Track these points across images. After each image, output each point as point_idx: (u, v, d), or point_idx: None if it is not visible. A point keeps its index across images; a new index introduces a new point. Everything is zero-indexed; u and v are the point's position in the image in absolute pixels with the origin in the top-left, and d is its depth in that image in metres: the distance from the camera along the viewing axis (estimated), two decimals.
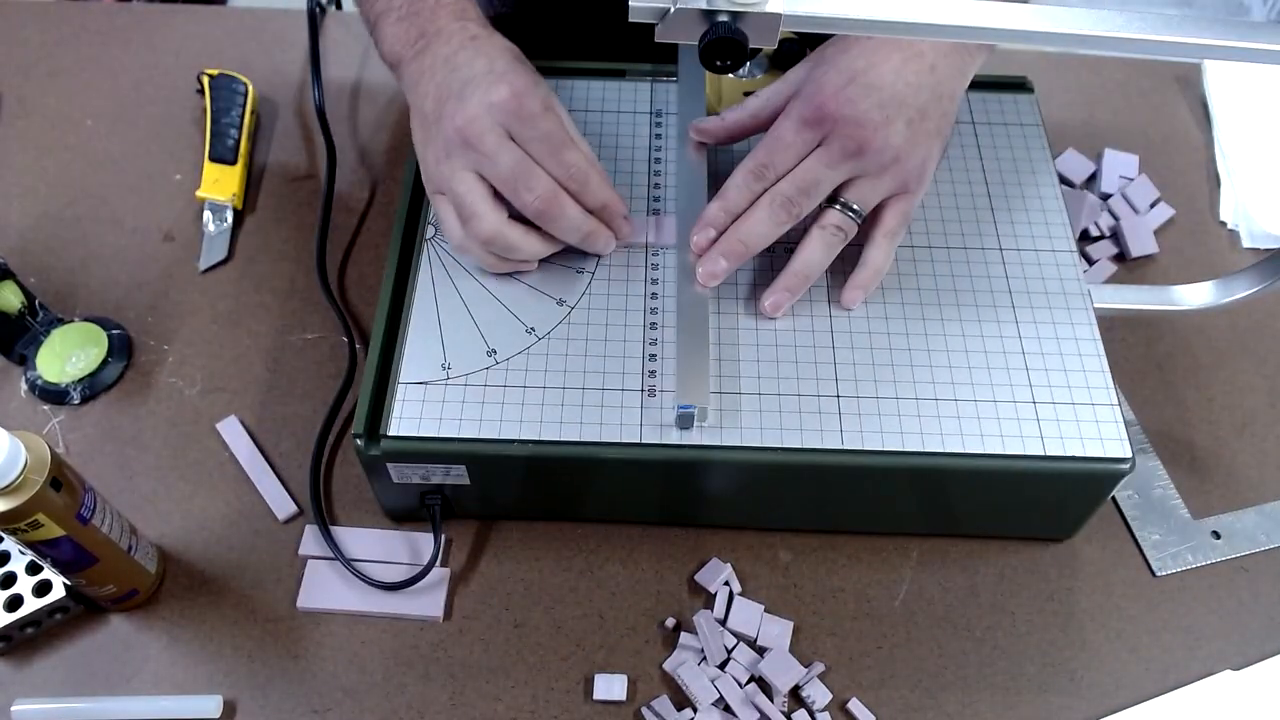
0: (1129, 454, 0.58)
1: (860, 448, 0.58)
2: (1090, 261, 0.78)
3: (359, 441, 0.58)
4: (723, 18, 0.46)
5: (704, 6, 0.46)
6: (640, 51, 0.66)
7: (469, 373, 0.60)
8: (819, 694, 0.59)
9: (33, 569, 0.60)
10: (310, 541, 0.64)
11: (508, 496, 0.64)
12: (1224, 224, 0.81)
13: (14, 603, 0.59)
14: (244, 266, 0.77)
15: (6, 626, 0.59)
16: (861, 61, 0.60)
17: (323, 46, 0.87)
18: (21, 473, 0.50)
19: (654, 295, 0.64)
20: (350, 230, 0.79)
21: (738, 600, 0.62)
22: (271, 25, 0.92)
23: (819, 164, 0.60)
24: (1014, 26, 0.47)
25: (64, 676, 0.60)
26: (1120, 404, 0.60)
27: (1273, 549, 0.66)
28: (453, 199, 0.61)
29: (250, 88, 0.84)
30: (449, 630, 0.62)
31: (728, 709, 0.58)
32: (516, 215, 0.61)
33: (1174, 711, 0.60)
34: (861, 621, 0.62)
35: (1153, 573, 0.65)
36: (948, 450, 0.58)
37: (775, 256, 0.64)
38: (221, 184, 0.79)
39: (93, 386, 0.70)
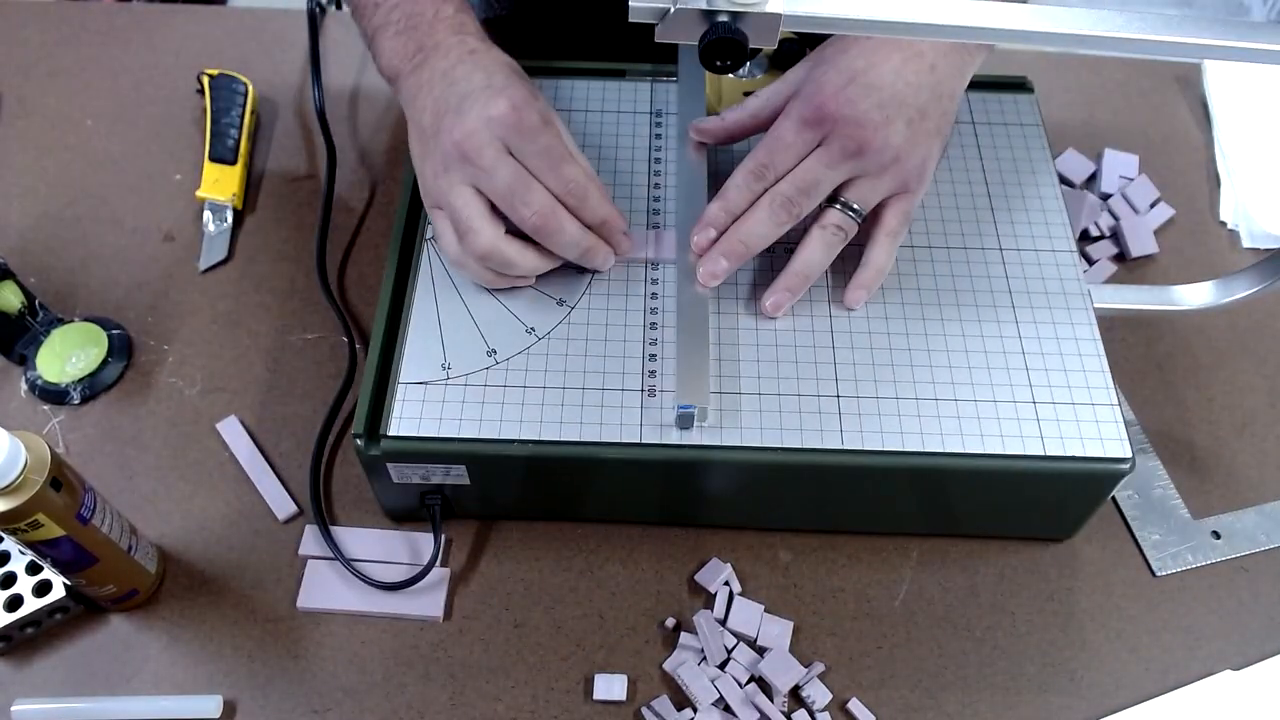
0: (1129, 454, 0.58)
1: (860, 448, 0.58)
2: (1090, 261, 0.78)
3: (359, 441, 0.58)
4: (723, 18, 0.46)
5: (704, 6, 0.46)
6: (640, 51, 0.66)
7: (469, 373, 0.60)
8: (819, 694, 0.59)
9: (33, 569, 0.60)
10: (310, 541, 0.64)
11: (508, 496, 0.64)
12: (1224, 224, 0.81)
13: (14, 603, 0.59)
14: (244, 266, 0.77)
15: (6, 626, 0.59)
16: (861, 61, 0.60)
17: (323, 47, 0.87)
18: (21, 473, 0.50)
19: (654, 295, 0.64)
20: (350, 230, 0.79)
21: (738, 600, 0.62)
22: (271, 25, 0.92)
23: (819, 164, 0.60)
24: (1014, 26, 0.47)
25: (64, 676, 0.60)
26: (1120, 404, 0.60)
27: (1273, 549, 0.66)
28: (450, 214, 0.61)
29: (250, 88, 0.84)
30: (449, 630, 0.62)
31: (728, 709, 0.58)
32: (514, 230, 0.61)
33: (1174, 711, 0.60)
34: (861, 621, 0.63)
35: (1153, 573, 0.65)
36: (948, 450, 0.58)
37: (775, 256, 0.64)
38: (221, 184, 0.79)
39: (93, 386, 0.70)
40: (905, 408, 0.60)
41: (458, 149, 0.59)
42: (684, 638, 0.61)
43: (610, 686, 0.59)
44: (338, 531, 0.65)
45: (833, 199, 0.62)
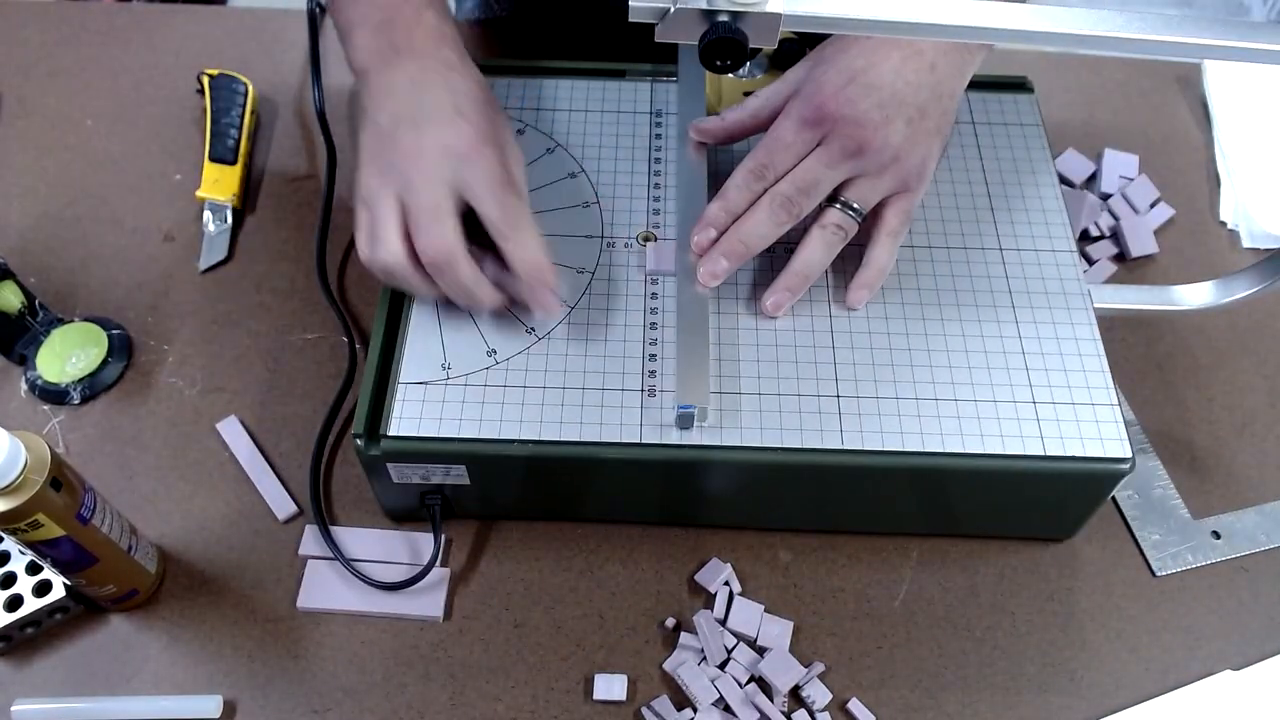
0: (1129, 454, 0.58)
1: (860, 448, 0.58)
2: (1090, 261, 0.78)
3: (359, 441, 0.58)
4: (723, 18, 0.46)
5: (704, 6, 0.46)
6: (640, 51, 0.66)
7: (469, 373, 0.60)
8: (819, 694, 0.59)
9: (33, 569, 0.60)
10: (310, 541, 0.64)
11: (508, 496, 0.64)
12: (1224, 224, 0.81)
13: (14, 603, 0.59)
14: (244, 266, 0.77)
15: (6, 626, 0.59)
16: (861, 61, 0.60)
17: (323, 46, 0.87)
18: (21, 473, 0.50)
19: (654, 295, 0.64)
20: (350, 230, 0.79)
21: (738, 600, 0.62)
22: (271, 25, 0.92)
23: (819, 164, 0.60)
24: (1014, 26, 0.47)
25: (64, 676, 0.60)
26: (1120, 404, 0.60)
27: (1273, 549, 0.66)
28: (371, 216, 0.60)
29: (250, 88, 0.84)
30: (449, 630, 0.62)
31: (728, 709, 0.58)
32: None
33: (1174, 711, 0.60)
34: (861, 621, 0.63)
35: (1153, 573, 0.65)
36: (948, 450, 0.58)
37: (775, 256, 0.64)
38: (221, 184, 0.79)
39: (93, 386, 0.70)
40: (905, 408, 0.60)
41: (404, 160, 0.59)
42: (684, 638, 0.61)
43: (610, 686, 0.59)
44: (338, 531, 0.65)
45: (833, 199, 0.62)
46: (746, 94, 0.67)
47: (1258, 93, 0.88)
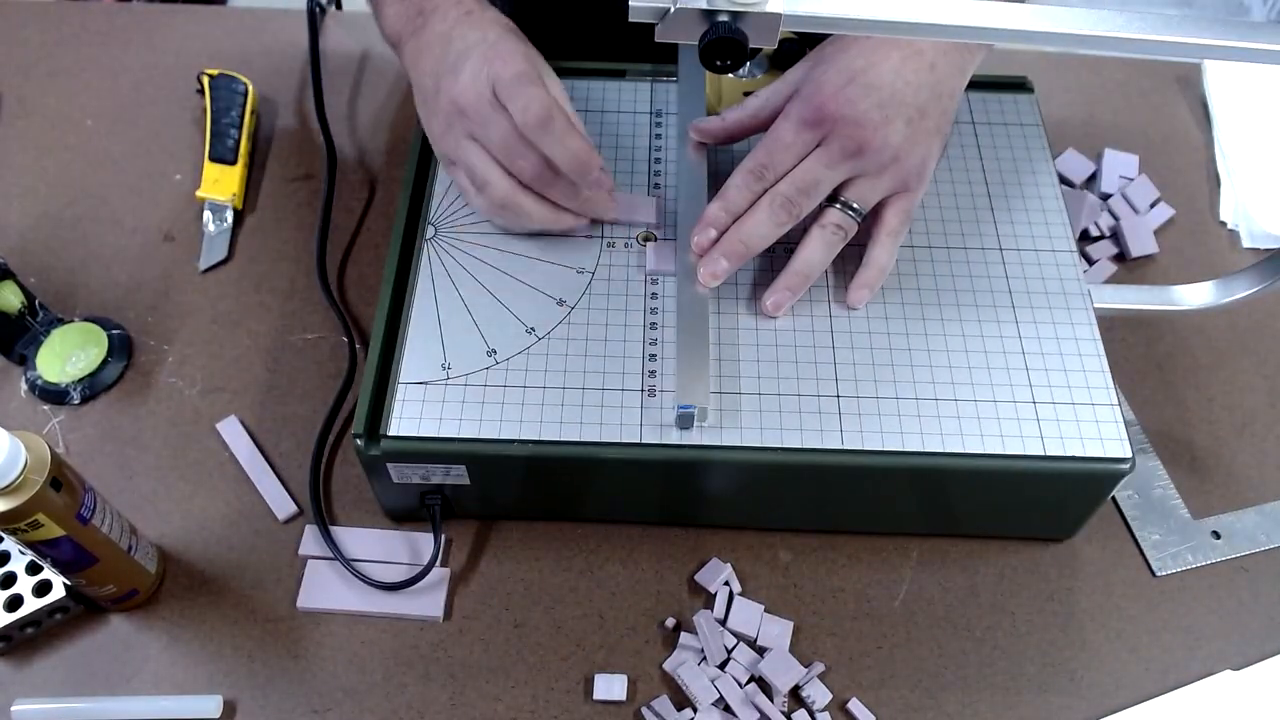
0: (1129, 454, 0.58)
1: (860, 448, 0.58)
2: (1090, 261, 0.78)
3: (359, 441, 0.58)
4: (723, 18, 0.46)
5: (704, 6, 0.46)
6: (640, 51, 0.66)
7: (469, 373, 0.60)
8: (819, 694, 0.59)
9: (33, 569, 0.60)
10: (310, 541, 0.64)
11: (508, 496, 0.64)
12: (1224, 224, 0.81)
13: (14, 603, 0.59)
14: (244, 266, 0.77)
15: (6, 626, 0.59)
16: (860, 61, 0.60)
17: (323, 46, 0.87)
18: (21, 473, 0.50)
19: (654, 295, 0.64)
20: (350, 230, 0.79)
21: (738, 600, 0.62)
22: (271, 25, 0.92)
23: (818, 164, 0.60)
24: (1014, 26, 0.47)
25: (64, 676, 0.60)
26: (1120, 404, 0.60)
27: (1273, 549, 0.66)
28: (464, 168, 0.63)
29: (250, 88, 0.84)
30: (449, 630, 0.62)
31: (728, 709, 0.58)
32: None
33: (1174, 711, 0.60)
34: (861, 621, 0.63)
35: (1153, 573, 0.65)
36: (948, 450, 0.58)
37: (775, 256, 0.64)
38: (221, 184, 0.79)
39: (93, 386, 0.70)
40: (905, 408, 0.60)
41: (455, 106, 0.61)
42: (684, 638, 0.61)
43: (610, 686, 0.59)
44: (338, 531, 0.65)
45: (833, 198, 0.62)
46: (746, 94, 0.67)
47: (1258, 93, 0.88)
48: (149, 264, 0.77)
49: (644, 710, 0.59)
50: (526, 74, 0.59)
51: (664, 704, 0.59)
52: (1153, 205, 0.81)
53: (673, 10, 0.46)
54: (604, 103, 0.73)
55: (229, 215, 0.78)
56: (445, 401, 0.59)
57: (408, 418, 0.59)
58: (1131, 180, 0.82)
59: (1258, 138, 0.85)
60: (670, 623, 0.62)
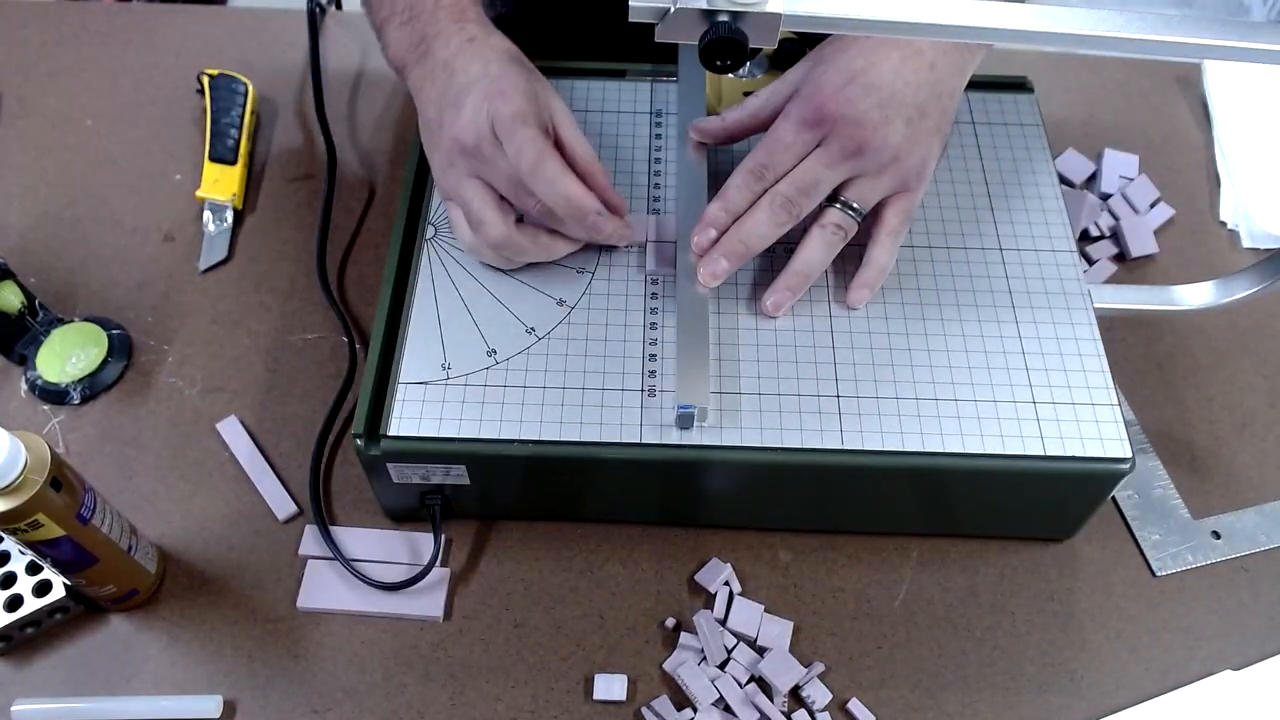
0: (1129, 454, 0.58)
1: (860, 448, 0.58)
2: (1090, 261, 0.78)
3: (359, 441, 0.58)
4: (723, 18, 0.46)
5: (704, 6, 0.46)
6: (640, 51, 0.66)
7: (469, 373, 0.60)
8: (819, 694, 0.59)
9: (33, 569, 0.60)
10: (310, 541, 0.64)
11: (508, 496, 0.64)
12: (1224, 224, 0.81)
13: (14, 603, 0.59)
14: (244, 266, 0.77)
15: (6, 626, 0.59)
16: (860, 61, 0.60)
17: (323, 46, 0.87)
18: (21, 473, 0.50)
19: (654, 295, 0.64)
20: (350, 230, 0.79)
21: (738, 600, 0.62)
22: (271, 25, 0.92)
23: (818, 164, 0.60)
24: (1014, 26, 0.47)
25: (64, 676, 0.60)
26: (1120, 404, 0.60)
27: (1273, 549, 0.66)
28: (461, 206, 0.62)
29: (250, 88, 0.84)
30: (449, 630, 0.62)
31: (728, 709, 0.58)
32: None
33: (1174, 711, 0.60)
34: (861, 621, 0.62)
35: (1153, 573, 0.65)
36: (948, 450, 0.58)
37: (775, 256, 0.64)
38: (221, 184, 0.79)
39: (93, 386, 0.70)
40: (905, 408, 0.60)
41: (457, 143, 0.60)
42: (684, 638, 0.61)
43: (610, 686, 0.59)
44: (338, 531, 0.65)
45: (833, 198, 0.62)
46: (746, 94, 0.67)
47: (1258, 93, 0.88)
48: (149, 264, 0.77)
49: (644, 710, 0.59)
50: (522, 114, 0.58)
51: (664, 704, 0.59)
52: (1153, 205, 0.81)
53: (673, 10, 0.46)
54: (604, 103, 0.73)
55: (229, 215, 0.78)
56: (445, 401, 0.59)
57: (408, 418, 0.59)
58: (1131, 180, 0.82)
59: (1258, 138, 0.85)
60: (670, 623, 0.62)
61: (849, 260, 0.64)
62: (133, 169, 0.82)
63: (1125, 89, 0.90)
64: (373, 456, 0.59)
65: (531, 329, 0.62)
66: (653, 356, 0.61)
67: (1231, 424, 0.71)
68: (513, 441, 0.58)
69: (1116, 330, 0.73)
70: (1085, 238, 0.80)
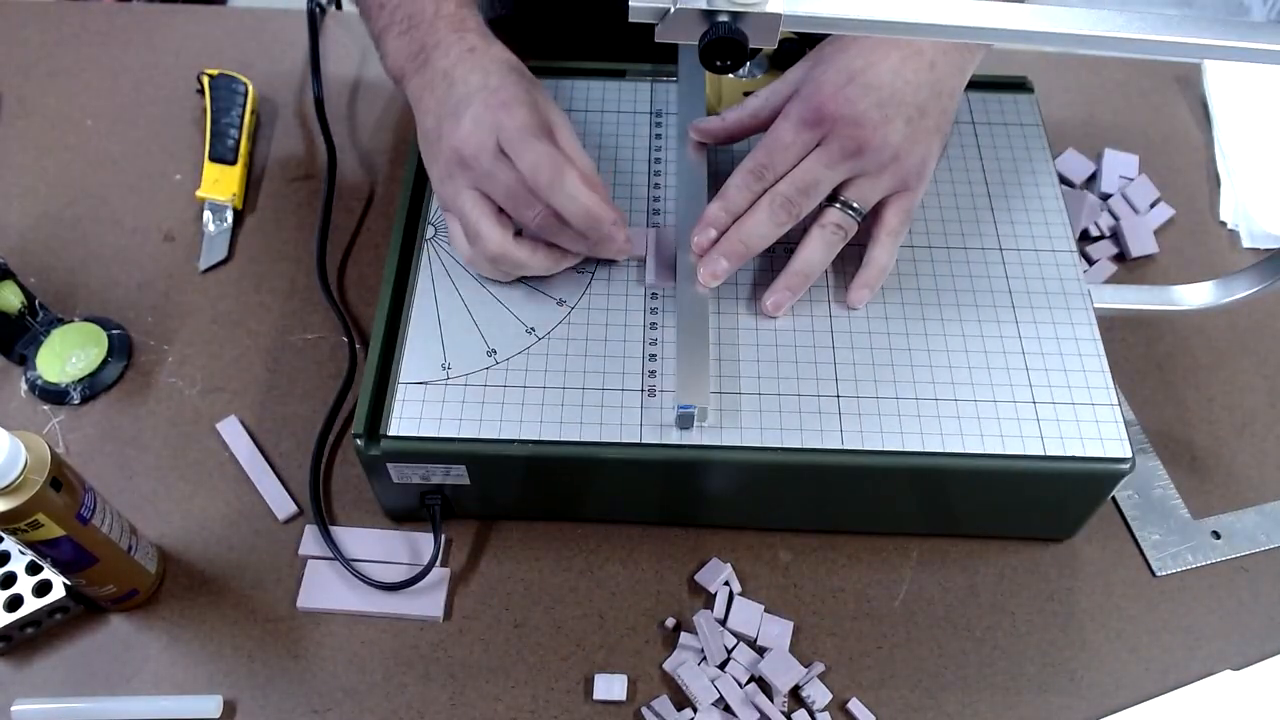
0: (1129, 454, 0.58)
1: (860, 448, 0.58)
2: (1090, 261, 0.78)
3: (359, 441, 0.58)
4: (723, 18, 0.46)
5: (704, 6, 0.46)
6: (640, 51, 0.66)
7: (469, 373, 0.60)
8: (819, 694, 0.59)
9: (33, 569, 0.60)
10: (310, 541, 0.64)
11: (508, 496, 0.64)
12: (1224, 224, 0.81)
13: (14, 603, 0.59)
14: (244, 266, 0.77)
15: (6, 626, 0.59)
16: (860, 61, 0.60)
17: (323, 46, 0.87)
18: (21, 473, 0.50)
19: (654, 295, 0.64)
20: (350, 230, 0.79)
21: (738, 600, 0.62)
22: (271, 25, 0.92)
23: (818, 164, 0.60)
24: (1014, 26, 0.47)
25: (64, 676, 0.60)
26: (1120, 404, 0.60)
27: (1273, 549, 0.66)
28: (459, 217, 0.61)
29: (250, 88, 0.84)
30: (449, 630, 0.62)
31: (728, 709, 0.58)
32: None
33: (1174, 711, 0.60)
34: (861, 621, 0.62)
35: (1153, 573, 0.65)
36: (948, 450, 0.58)
37: (775, 256, 0.64)
38: (221, 184, 0.79)
39: (93, 386, 0.70)
40: (905, 408, 0.60)
41: (456, 155, 0.60)
42: (684, 638, 0.61)
43: (610, 686, 0.59)
44: (338, 531, 0.65)
45: (833, 198, 0.62)
46: (746, 94, 0.67)
47: (1258, 93, 0.88)
48: (149, 264, 0.77)
49: (644, 710, 0.59)
50: (531, 126, 0.58)
51: (664, 704, 0.59)
52: (1153, 205, 0.81)
53: (673, 10, 0.46)
54: (604, 103, 0.73)
55: (229, 215, 0.78)
56: (445, 401, 0.59)
57: (408, 418, 0.59)
58: (1131, 180, 0.82)
59: (1258, 138, 0.85)
60: (670, 623, 0.62)
61: (849, 260, 0.64)
62: (133, 169, 0.82)
63: (1125, 89, 0.90)
64: (373, 456, 0.59)
65: (531, 329, 0.62)
66: (653, 356, 0.61)
67: (1231, 424, 0.71)
68: (513, 441, 0.58)
69: (1116, 330, 0.73)
70: (1085, 238, 0.80)
